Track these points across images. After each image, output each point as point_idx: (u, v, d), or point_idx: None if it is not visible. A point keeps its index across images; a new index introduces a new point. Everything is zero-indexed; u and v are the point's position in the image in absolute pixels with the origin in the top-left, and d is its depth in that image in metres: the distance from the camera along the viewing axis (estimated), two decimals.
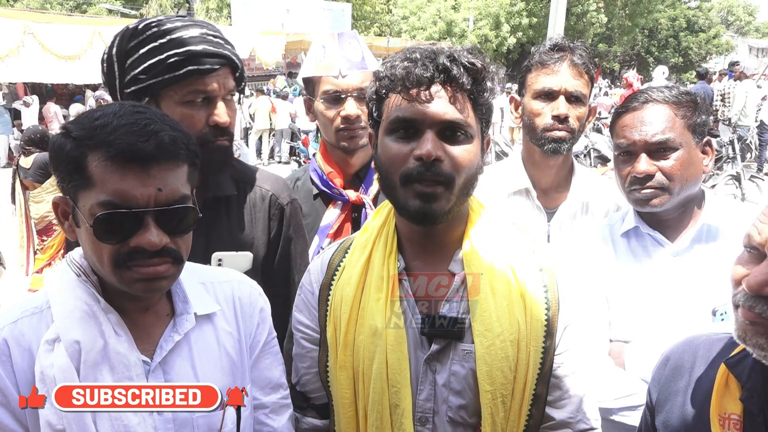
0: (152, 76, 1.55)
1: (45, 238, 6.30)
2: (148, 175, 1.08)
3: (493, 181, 2.04)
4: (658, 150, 1.60)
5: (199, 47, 1.55)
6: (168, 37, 1.55)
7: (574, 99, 1.93)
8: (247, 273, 1.65)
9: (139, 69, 1.56)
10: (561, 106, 1.92)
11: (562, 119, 1.92)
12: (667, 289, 1.63)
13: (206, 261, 1.52)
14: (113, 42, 1.61)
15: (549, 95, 1.94)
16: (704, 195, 1.72)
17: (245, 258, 1.72)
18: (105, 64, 1.64)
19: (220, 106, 1.59)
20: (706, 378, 1.20)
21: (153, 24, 1.58)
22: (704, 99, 1.71)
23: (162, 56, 1.53)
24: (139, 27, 1.59)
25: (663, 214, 1.67)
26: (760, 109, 12.32)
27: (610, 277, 1.71)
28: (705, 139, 1.66)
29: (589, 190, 2.07)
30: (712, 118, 12.09)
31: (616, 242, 1.76)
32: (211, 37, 1.59)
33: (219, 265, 1.66)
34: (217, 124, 1.59)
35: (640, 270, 1.69)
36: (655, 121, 1.61)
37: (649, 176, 1.60)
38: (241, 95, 1.76)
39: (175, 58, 1.52)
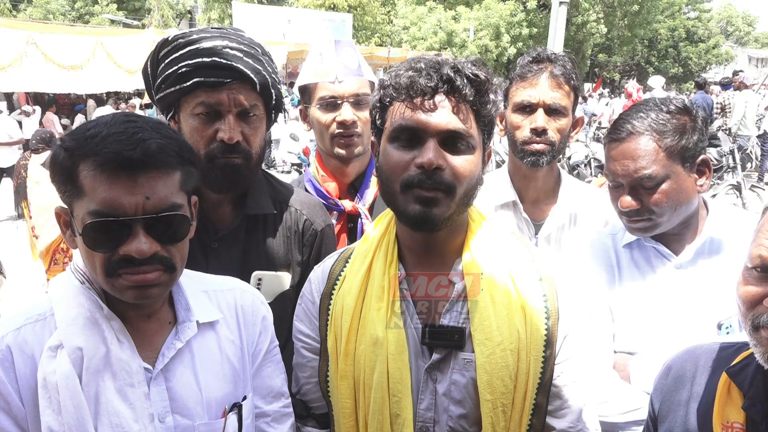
0: (168, 86, 1.56)
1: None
2: (135, 184, 1.09)
3: (480, 194, 2.04)
4: (642, 185, 1.58)
5: (210, 59, 1.52)
6: (188, 48, 1.55)
7: (553, 111, 1.93)
8: (282, 294, 1.68)
9: (160, 78, 1.58)
10: (539, 119, 1.92)
11: (539, 132, 1.92)
12: (670, 301, 1.62)
13: (241, 277, 1.51)
14: (152, 50, 1.63)
15: (528, 108, 1.95)
16: (708, 207, 1.70)
17: (284, 278, 1.71)
18: (143, 73, 1.67)
19: (228, 121, 1.54)
20: (708, 387, 1.20)
21: (182, 35, 1.59)
22: (696, 116, 1.61)
23: (175, 66, 1.54)
24: (170, 37, 1.60)
25: (664, 229, 1.65)
26: (760, 119, 12.33)
27: (613, 289, 1.71)
28: (700, 159, 1.61)
29: (576, 202, 2.07)
30: (716, 126, 12.01)
31: (618, 253, 1.75)
32: (229, 50, 1.56)
33: (258, 284, 1.65)
34: (223, 141, 1.53)
35: (644, 282, 1.68)
36: (636, 155, 1.57)
37: (634, 210, 1.59)
38: (276, 113, 1.70)
39: (184, 69, 1.53)
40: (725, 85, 14.04)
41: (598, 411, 1.53)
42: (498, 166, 12.41)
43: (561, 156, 2.13)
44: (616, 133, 1.63)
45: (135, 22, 28.01)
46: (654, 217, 1.59)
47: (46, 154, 6.40)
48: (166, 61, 1.57)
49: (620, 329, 1.68)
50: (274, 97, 1.64)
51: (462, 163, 1.22)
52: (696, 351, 1.29)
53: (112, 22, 27.90)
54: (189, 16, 35.75)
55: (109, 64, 13.73)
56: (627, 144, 1.59)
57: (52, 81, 13.15)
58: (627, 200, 1.60)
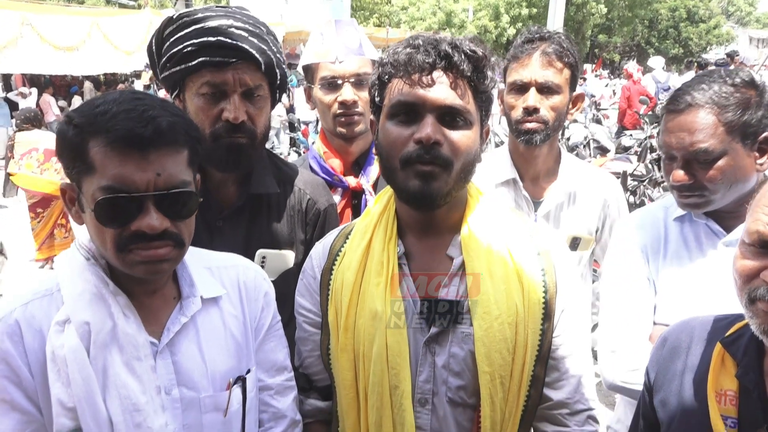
0: (173, 64, 1.57)
1: (40, 210, 6.46)
2: (146, 161, 1.10)
3: (480, 172, 2.06)
4: (697, 159, 1.53)
5: (215, 38, 1.53)
6: (193, 27, 1.55)
7: (545, 89, 1.95)
8: (286, 272, 1.70)
9: (165, 57, 1.58)
10: (530, 98, 1.95)
11: (531, 111, 1.95)
12: (716, 278, 1.59)
13: (245, 255, 1.52)
14: (157, 28, 1.64)
15: (521, 88, 1.98)
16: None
17: (288, 257, 1.73)
18: (148, 50, 1.67)
19: (234, 101, 1.55)
20: (702, 357, 1.24)
21: (187, 14, 1.59)
22: (763, 91, 1.53)
23: (181, 45, 1.54)
24: (175, 16, 1.61)
25: (717, 206, 1.61)
26: None
27: (658, 261, 1.70)
28: (763, 136, 1.53)
29: (576, 181, 2.09)
30: None
31: (668, 226, 1.72)
32: (234, 30, 1.55)
33: (262, 262, 1.68)
34: (228, 120, 1.55)
35: (690, 257, 1.65)
36: (694, 129, 1.51)
37: (686, 184, 1.56)
38: (281, 93, 1.71)
39: (189, 48, 1.53)
40: (721, 65, 13.97)
41: (627, 378, 1.56)
42: (497, 146, 12.44)
43: (561, 136, 2.14)
44: (675, 104, 1.57)
45: (131, 3, 27.69)
46: (707, 194, 1.55)
47: (30, 132, 6.48)
48: (171, 39, 1.57)
49: (662, 302, 1.68)
50: (278, 77, 1.65)
51: (460, 138, 1.24)
52: (691, 323, 1.32)
53: (108, 2, 27.59)
54: None
55: (105, 45, 13.60)
56: (685, 116, 1.54)
57: (48, 62, 13.02)
58: (680, 174, 1.55)
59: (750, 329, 1.13)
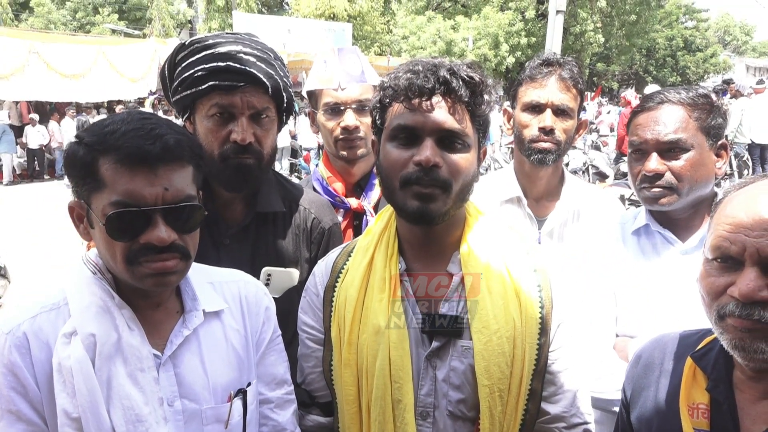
0: (185, 88, 1.63)
1: None
2: (155, 176, 1.15)
3: (486, 190, 2.11)
4: (669, 150, 1.63)
5: (224, 64, 1.59)
6: (204, 53, 1.62)
7: (560, 112, 2.01)
8: (291, 290, 1.73)
9: (177, 81, 1.64)
10: (547, 118, 2.00)
11: (547, 131, 2.00)
12: (674, 286, 1.65)
13: (252, 272, 1.55)
14: (170, 54, 1.71)
15: (536, 108, 2.02)
16: (717, 196, 1.73)
17: (293, 275, 1.77)
18: (161, 75, 1.74)
19: (241, 123, 1.60)
20: (674, 372, 1.25)
21: (199, 40, 1.66)
22: (720, 104, 1.70)
23: (192, 70, 1.61)
24: (187, 42, 1.67)
25: (674, 214, 1.70)
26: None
27: (618, 274, 1.75)
28: (720, 142, 1.68)
29: (579, 199, 2.14)
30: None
31: (626, 240, 1.79)
32: (242, 55, 1.62)
33: (268, 279, 1.71)
34: (236, 142, 1.60)
35: (649, 267, 1.72)
36: (668, 121, 1.64)
37: (659, 175, 1.63)
38: (287, 115, 1.76)
39: (200, 73, 1.59)
40: (718, 93, 14.12)
41: (595, 387, 1.58)
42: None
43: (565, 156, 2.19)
44: (648, 102, 1.70)
45: (136, 32, 28.20)
46: (674, 185, 1.63)
47: None
48: (183, 64, 1.64)
49: (623, 313, 1.72)
50: (285, 100, 1.71)
51: (458, 160, 1.28)
52: (663, 339, 1.34)
53: (113, 31, 28.07)
54: (189, 26, 35.99)
55: (110, 73, 13.85)
56: (659, 111, 1.66)
57: (54, 90, 13.26)
58: (653, 164, 1.64)
59: (719, 343, 1.14)
